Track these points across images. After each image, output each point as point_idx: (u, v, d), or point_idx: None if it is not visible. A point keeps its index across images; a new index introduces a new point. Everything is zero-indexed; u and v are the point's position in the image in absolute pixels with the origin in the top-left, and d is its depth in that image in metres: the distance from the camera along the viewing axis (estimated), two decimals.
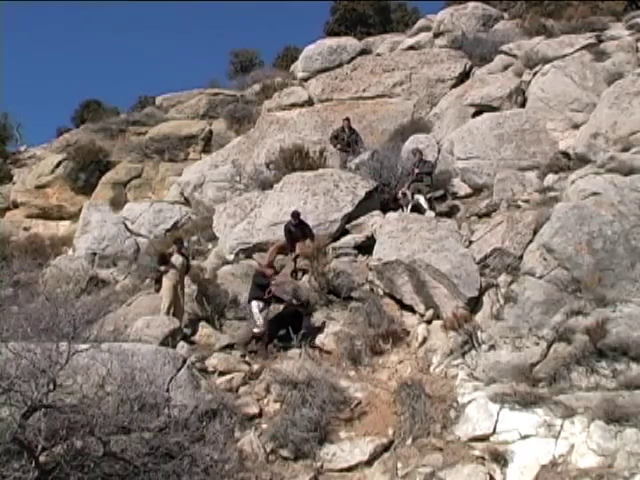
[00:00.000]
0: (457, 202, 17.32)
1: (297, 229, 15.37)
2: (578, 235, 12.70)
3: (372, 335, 13.19)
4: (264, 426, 11.43)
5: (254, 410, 11.75)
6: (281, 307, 13.85)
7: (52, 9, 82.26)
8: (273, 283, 13.59)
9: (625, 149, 15.01)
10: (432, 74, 22.77)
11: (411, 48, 24.77)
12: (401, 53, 24.63)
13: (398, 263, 13.93)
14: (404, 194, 16.52)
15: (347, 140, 19.34)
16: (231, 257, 16.68)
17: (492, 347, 12.23)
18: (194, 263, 16.87)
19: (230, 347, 13.31)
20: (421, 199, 16.35)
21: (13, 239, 23.35)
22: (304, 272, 15.21)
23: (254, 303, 13.40)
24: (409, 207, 16.39)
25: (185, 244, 16.18)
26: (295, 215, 15.44)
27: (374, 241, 15.13)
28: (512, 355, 11.95)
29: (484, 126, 18.32)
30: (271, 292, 13.38)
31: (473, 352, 12.38)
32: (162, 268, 14.30)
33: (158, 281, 14.42)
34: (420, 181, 16.62)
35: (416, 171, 16.70)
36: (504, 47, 22.02)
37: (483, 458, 10.43)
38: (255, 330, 13.25)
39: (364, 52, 25.39)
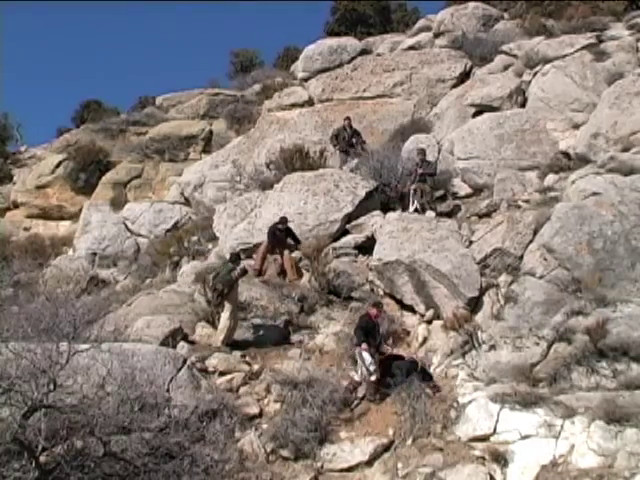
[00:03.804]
0: (457, 202, 17.31)
1: (282, 234, 15.52)
2: (578, 235, 12.70)
3: None
4: (264, 426, 11.43)
5: (254, 410, 11.75)
6: None
7: (52, 9, 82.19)
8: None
9: (625, 149, 15.03)
10: (432, 74, 22.74)
11: (411, 48, 24.74)
12: (401, 53, 24.60)
13: (398, 263, 13.93)
14: (414, 191, 16.46)
15: (348, 139, 19.34)
16: None
17: (492, 347, 12.23)
18: (195, 264, 16.90)
19: (230, 347, 13.27)
20: (424, 202, 16.37)
21: (13, 239, 23.37)
22: (300, 274, 15.26)
23: (365, 354, 11.96)
24: (413, 207, 16.37)
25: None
26: (284, 221, 15.57)
27: (374, 241, 15.14)
28: (512, 355, 11.95)
29: (484, 126, 18.30)
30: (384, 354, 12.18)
31: (473, 352, 12.39)
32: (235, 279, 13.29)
33: (225, 296, 13.20)
34: (423, 181, 16.61)
35: (419, 171, 16.68)
36: (504, 47, 21.99)
37: (483, 458, 10.44)
38: (372, 378, 11.86)
39: (364, 52, 25.36)
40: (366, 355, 11.98)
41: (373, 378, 11.88)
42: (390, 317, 13.64)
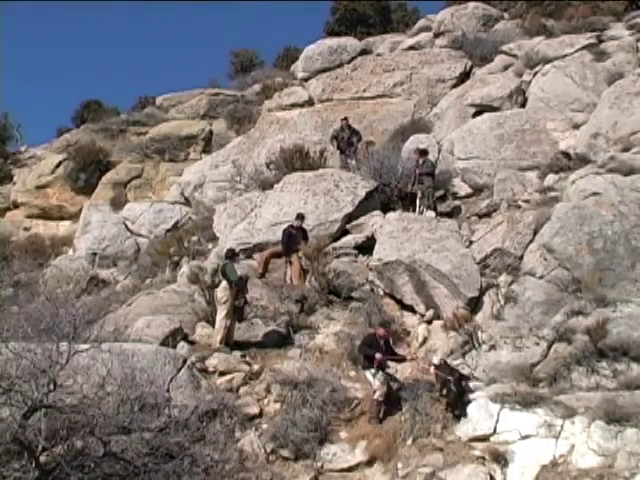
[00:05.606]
0: (457, 202, 17.33)
1: (298, 232, 15.32)
2: (578, 235, 12.70)
3: None
4: (264, 426, 11.43)
5: (254, 410, 11.74)
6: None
7: (52, 9, 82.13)
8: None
9: (625, 149, 15.03)
10: (432, 74, 22.77)
11: (411, 48, 24.77)
12: (401, 53, 24.63)
13: (398, 263, 13.93)
14: (421, 195, 16.40)
15: (347, 139, 19.33)
16: None
17: (492, 347, 12.23)
18: (195, 263, 16.87)
19: (230, 347, 13.26)
20: (425, 201, 16.37)
21: (13, 239, 23.39)
22: (304, 272, 15.22)
23: (367, 373, 11.78)
24: (422, 208, 16.32)
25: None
26: (301, 217, 15.42)
27: (374, 241, 15.13)
28: (512, 355, 11.96)
29: (484, 126, 18.31)
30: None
31: (473, 352, 12.39)
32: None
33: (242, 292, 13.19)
34: (421, 182, 16.60)
35: (418, 171, 16.68)
36: (504, 47, 22.03)
37: (483, 458, 10.44)
38: (375, 396, 11.50)
39: (364, 52, 25.39)
40: (368, 374, 11.77)
41: (376, 396, 11.51)
42: (390, 317, 13.66)
